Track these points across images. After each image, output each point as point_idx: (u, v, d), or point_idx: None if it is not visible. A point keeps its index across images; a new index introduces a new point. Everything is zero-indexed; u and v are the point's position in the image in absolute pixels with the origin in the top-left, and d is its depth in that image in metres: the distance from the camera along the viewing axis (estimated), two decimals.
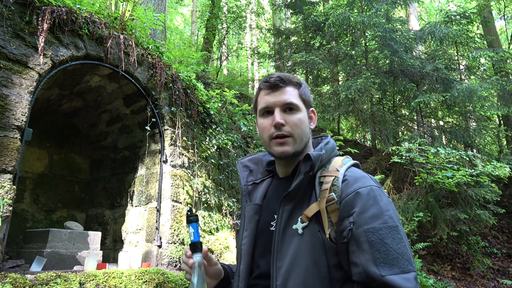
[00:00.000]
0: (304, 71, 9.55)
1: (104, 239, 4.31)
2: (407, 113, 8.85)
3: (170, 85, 4.29)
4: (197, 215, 1.09)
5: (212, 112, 5.04)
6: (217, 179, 4.75)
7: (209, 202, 4.43)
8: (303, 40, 9.78)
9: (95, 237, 3.71)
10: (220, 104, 5.50)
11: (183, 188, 4.04)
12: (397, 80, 7.58)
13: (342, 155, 1.15)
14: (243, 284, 1.05)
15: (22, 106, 2.81)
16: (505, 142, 9.69)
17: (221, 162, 4.96)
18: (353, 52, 8.25)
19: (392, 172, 6.93)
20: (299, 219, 0.97)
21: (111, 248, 4.34)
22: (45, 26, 3.01)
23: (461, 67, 8.97)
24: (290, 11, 10.22)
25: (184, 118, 4.33)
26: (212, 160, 4.70)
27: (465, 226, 5.85)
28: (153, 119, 4.02)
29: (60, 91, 4.16)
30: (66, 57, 3.22)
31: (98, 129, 4.82)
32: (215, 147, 4.87)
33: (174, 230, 3.77)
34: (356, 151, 5.91)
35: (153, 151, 4.19)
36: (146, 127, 3.97)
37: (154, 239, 3.72)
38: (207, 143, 4.76)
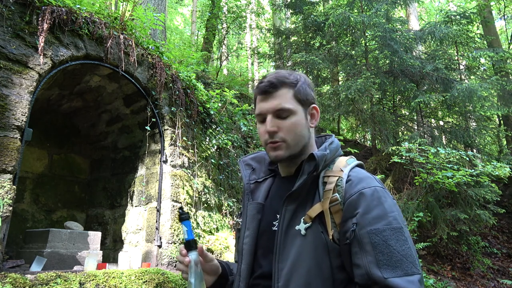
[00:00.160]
0: (304, 71, 9.54)
1: (104, 239, 4.31)
2: (407, 113, 8.85)
3: (170, 85, 4.29)
4: (188, 213, 1.07)
5: (212, 112, 5.04)
6: (217, 179, 4.75)
7: (209, 202, 4.43)
8: (303, 40, 9.78)
9: (95, 237, 3.71)
10: (220, 104, 5.50)
11: (183, 188, 4.04)
12: (397, 80, 7.58)
13: (345, 154, 1.13)
14: (244, 284, 1.03)
15: (22, 106, 2.81)
16: (505, 142, 9.69)
17: (221, 162, 4.96)
18: (353, 52, 8.25)
19: (392, 172, 6.93)
20: (302, 220, 0.95)
21: (111, 248, 4.34)
22: (45, 26, 3.01)
23: (461, 67, 8.97)
24: (290, 11, 10.21)
25: (184, 118, 4.33)
26: (212, 160, 4.70)
27: (465, 226, 5.85)
28: (153, 119, 4.02)
29: (60, 91, 4.16)
30: (66, 57, 3.22)
31: (98, 129, 4.82)
32: (215, 147, 4.87)
33: (174, 230, 3.77)
34: (356, 151, 5.91)
35: (153, 151, 4.19)
36: (146, 127, 3.97)
37: (154, 239, 3.72)
38: (207, 143, 4.76)
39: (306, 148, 1.08)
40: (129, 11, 4.18)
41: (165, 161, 3.99)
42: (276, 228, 1.01)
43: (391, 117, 7.37)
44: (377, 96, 8.13)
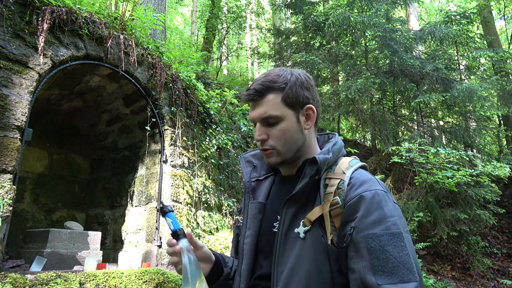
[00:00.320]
0: (304, 71, 9.53)
1: (104, 239, 4.31)
2: (407, 113, 8.85)
3: (170, 85, 4.29)
4: (170, 205, 1.06)
5: (212, 112, 5.04)
6: (217, 179, 4.75)
7: (209, 202, 4.43)
8: (303, 40, 9.78)
9: (95, 237, 3.71)
10: (220, 104, 5.50)
11: (183, 188, 4.04)
12: (397, 80, 7.58)
13: (348, 154, 1.11)
14: (245, 285, 1.02)
15: (22, 106, 2.81)
16: (505, 142, 9.69)
17: (221, 162, 4.96)
18: (353, 52, 8.25)
19: (392, 172, 6.93)
20: (301, 223, 0.94)
21: (111, 248, 4.34)
22: (45, 26, 3.01)
23: (461, 67, 8.97)
24: (290, 11, 10.21)
25: (184, 118, 4.33)
26: (212, 160, 4.70)
27: (465, 226, 5.86)
28: (153, 119, 4.02)
29: (60, 91, 4.16)
30: (66, 57, 3.22)
31: (98, 129, 4.82)
32: (215, 147, 4.87)
33: None
34: (356, 151, 5.92)
35: (153, 151, 4.20)
36: (146, 127, 3.97)
37: (154, 239, 3.72)
38: (207, 143, 4.76)
39: (302, 151, 1.05)
40: (129, 11, 4.18)
41: (165, 161, 3.99)
42: (276, 230, 1.00)
43: (391, 117, 7.37)
44: (377, 96, 8.13)
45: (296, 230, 0.94)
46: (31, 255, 3.21)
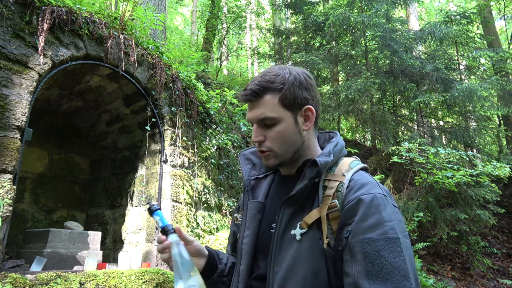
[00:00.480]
0: None
1: (104, 239, 4.31)
2: (407, 113, 8.85)
3: (170, 85, 4.29)
4: (156, 203, 1.05)
5: (212, 112, 5.04)
6: (217, 179, 4.75)
7: (209, 202, 4.43)
8: (303, 40, 9.78)
9: (95, 237, 3.71)
10: (220, 104, 5.50)
11: (183, 188, 4.04)
12: (397, 80, 7.58)
13: (349, 154, 1.09)
14: (243, 286, 1.01)
15: (22, 106, 2.82)
16: (505, 142, 9.69)
17: (221, 162, 4.96)
18: (353, 52, 8.25)
19: (392, 172, 6.94)
20: (298, 225, 0.92)
21: (111, 248, 4.34)
22: (45, 26, 3.01)
23: (461, 67, 8.98)
24: (290, 11, 10.21)
25: (184, 118, 4.33)
26: (212, 160, 4.70)
27: (465, 226, 5.86)
28: (153, 119, 4.02)
29: (60, 91, 4.16)
30: (66, 57, 3.22)
31: (98, 129, 4.82)
32: (215, 147, 4.87)
33: None
34: (356, 151, 5.92)
35: (153, 151, 4.20)
36: (146, 127, 3.97)
37: (154, 239, 3.72)
38: (207, 143, 4.76)
39: (301, 152, 1.03)
40: (129, 11, 4.18)
41: (165, 161, 3.99)
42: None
43: (391, 117, 7.37)
44: (377, 96, 8.14)
45: (292, 231, 0.93)
46: (31, 255, 3.21)
